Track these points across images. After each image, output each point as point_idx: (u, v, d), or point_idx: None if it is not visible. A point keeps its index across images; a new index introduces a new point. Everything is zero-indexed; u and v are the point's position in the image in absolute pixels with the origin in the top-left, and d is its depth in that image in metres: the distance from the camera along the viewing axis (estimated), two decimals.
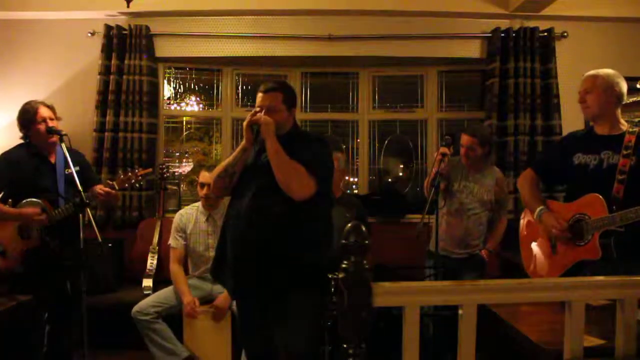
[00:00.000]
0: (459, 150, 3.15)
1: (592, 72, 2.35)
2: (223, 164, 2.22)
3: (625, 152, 2.21)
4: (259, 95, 2.19)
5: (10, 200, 2.73)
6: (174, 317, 3.11)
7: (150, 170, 3.12)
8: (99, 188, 2.84)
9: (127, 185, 2.97)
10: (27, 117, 2.77)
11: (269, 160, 2.11)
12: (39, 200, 2.72)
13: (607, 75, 2.30)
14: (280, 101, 2.17)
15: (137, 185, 3.05)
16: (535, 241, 2.54)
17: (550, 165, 2.57)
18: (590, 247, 2.22)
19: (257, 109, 2.15)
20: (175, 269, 3.23)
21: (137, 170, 2.99)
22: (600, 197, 2.20)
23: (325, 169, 2.17)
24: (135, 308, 3.04)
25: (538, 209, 2.43)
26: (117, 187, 2.87)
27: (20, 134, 2.84)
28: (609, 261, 2.16)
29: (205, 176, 3.17)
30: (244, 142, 2.17)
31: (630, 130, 2.26)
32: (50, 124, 2.77)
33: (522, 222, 2.67)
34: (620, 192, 2.18)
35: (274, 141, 2.07)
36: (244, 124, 2.14)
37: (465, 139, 3.08)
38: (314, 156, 2.11)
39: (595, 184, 2.24)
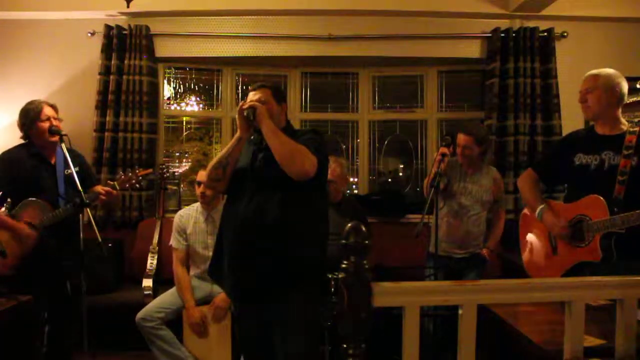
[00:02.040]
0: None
1: (593, 71, 2.34)
2: (218, 155, 2.23)
3: (626, 153, 2.21)
4: (249, 94, 2.26)
5: (9, 200, 2.72)
6: (175, 319, 3.10)
7: (150, 170, 3.13)
8: (100, 188, 2.84)
9: (127, 185, 2.97)
10: (31, 115, 2.75)
11: (265, 161, 2.12)
12: (39, 200, 2.72)
13: (609, 75, 2.30)
14: (270, 95, 2.23)
15: (137, 185, 3.05)
16: (535, 242, 2.54)
17: (550, 165, 2.57)
18: (590, 248, 2.22)
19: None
20: (179, 272, 3.19)
21: (137, 171, 2.99)
22: (601, 198, 2.19)
23: (323, 151, 2.17)
24: (139, 315, 3.02)
25: (540, 208, 2.43)
26: (117, 188, 2.87)
27: (21, 134, 2.83)
28: (609, 263, 2.16)
29: (201, 175, 3.17)
30: (239, 132, 2.18)
31: (631, 130, 2.25)
32: (54, 123, 2.77)
33: (523, 222, 2.67)
34: (621, 194, 2.17)
35: (269, 123, 2.09)
36: (238, 113, 2.16)
37: (461, 138, 3.08)
38: (309, 140, 2.13)
39: (597, 185, 2.24)
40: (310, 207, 2.11)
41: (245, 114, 2.12)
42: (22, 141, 2.86)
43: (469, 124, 3.22)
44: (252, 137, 2.21)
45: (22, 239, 2.61)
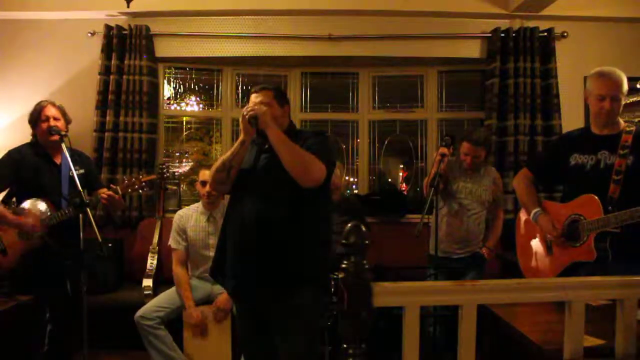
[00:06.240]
0: (457, 150, 3.14)
1: (612, 74, 2.25)
2: (222, 158, 2.21)
3: (622, 152, 2.20)
4: (251, 96, 2.24)
5: (14, 199, 2.73)
6: (174, 319, 3.10)
7: (154, 176, 3.12)
8: (102, 192, 2.84)
9: (130, 190, 2.98)
10: (34, 116, 2.79)
11: (269, 162, 2.11)
12: (43, 200, 2.72)
13: (622, 75, 2.25)
14: (272, 97, 2.20)
15: (140, 191, 3.06)
16: (531, 241, 2.54)
17: (545, 166, 2.56)
18: (585, 248, 2.22)
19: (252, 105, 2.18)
20: (178, 272, 3.19)
21: (141, 176, 2.99)
22: (596, 197, 2.19)
23: (330, 155, 2.15)
24: (139, 313, 3.02)
25: (534, 211, 2.42)
26: (120, 192, 2.86)
27: (32, 132, 2.85)
28: (604, 263, 2.16)
29: (205, 174, 3.16)
30: (242, 135, 2.16)
31: (628, 129, 2.24)
32: (53, 123, 2.76)
33: (519, 222, 2.66)
34: (616, 193, 2.17)
35: (274, 129, 2.06)
36: (241, 117, 2.14)
37: (470, 148, 3.03)
38: (316, 144, 2.11)
39: (592, 185, 2.23)
40: (315, 208, 2.10)
41: (247, 120, 2.10)
42: (29, 139, 2.88)
43: (474, 132, 3.06)
44: (255, 139, 2.20)
45: (28, 233, 2.62)
